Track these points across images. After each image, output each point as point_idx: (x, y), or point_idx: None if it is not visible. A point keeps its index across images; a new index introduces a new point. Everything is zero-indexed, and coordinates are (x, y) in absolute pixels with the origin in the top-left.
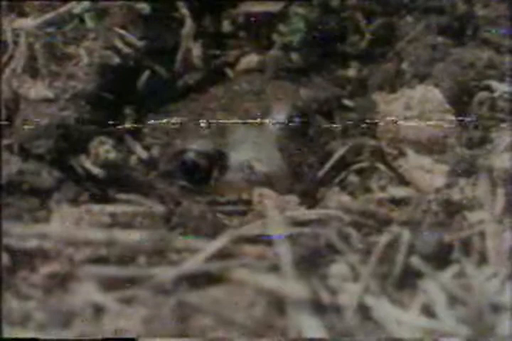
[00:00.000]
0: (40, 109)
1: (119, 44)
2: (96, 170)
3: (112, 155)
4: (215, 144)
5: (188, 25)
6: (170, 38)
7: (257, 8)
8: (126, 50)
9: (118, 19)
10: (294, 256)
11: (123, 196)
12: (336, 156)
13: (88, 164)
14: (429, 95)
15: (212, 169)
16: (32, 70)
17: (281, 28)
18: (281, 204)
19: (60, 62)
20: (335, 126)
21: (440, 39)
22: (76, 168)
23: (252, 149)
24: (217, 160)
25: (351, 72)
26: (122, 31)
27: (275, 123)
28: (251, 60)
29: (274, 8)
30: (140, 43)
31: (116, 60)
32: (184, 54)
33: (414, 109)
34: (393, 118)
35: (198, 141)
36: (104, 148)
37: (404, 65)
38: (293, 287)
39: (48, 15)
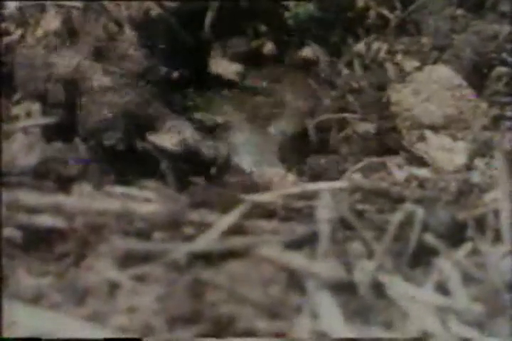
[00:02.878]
0: (100, 98)
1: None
2: (175, 149)
3: (197, 137)
4: (217, 148)
5: None
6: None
7: None
8: (158, 10)
9: None
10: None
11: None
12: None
13: (168, 143)
14: (435, 75)
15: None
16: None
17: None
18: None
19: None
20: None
21: (460, 11)
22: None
23: (255, 153)
24: (218, 160)
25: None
26: None
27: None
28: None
29: None
30: (172, 4)
31: (155, 11)
32: (212, 21)
33: (422, 92)
34: (405, 106)
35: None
36: (188, 131)
37: (424, 37)
38: (326, 267)
39: None
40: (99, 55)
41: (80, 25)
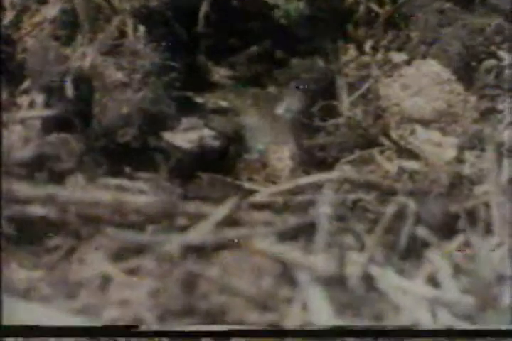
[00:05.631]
0: (115, 95)
1: None
2: (188, 146)
3: (215, 143)
4: (233, 125)
5: None
6: None
7: None
8: (155, 2)
9: None
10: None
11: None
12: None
13: (181, 142)
14: (424, 70)
15: (228, 149)
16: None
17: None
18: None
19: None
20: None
21: (448, 5)
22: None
23: (268, 133)
24: (235, 140)
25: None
26: None
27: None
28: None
29: None
30: None
31: (155, 2)
32: (204, 16)
33: (411, 87)
34: (394, 100)
35: (217, 120)
36: (207, 134)
37: (413, 31)
38: (320, 260)
39: None
40: (110, 49)
41: (82, 15)
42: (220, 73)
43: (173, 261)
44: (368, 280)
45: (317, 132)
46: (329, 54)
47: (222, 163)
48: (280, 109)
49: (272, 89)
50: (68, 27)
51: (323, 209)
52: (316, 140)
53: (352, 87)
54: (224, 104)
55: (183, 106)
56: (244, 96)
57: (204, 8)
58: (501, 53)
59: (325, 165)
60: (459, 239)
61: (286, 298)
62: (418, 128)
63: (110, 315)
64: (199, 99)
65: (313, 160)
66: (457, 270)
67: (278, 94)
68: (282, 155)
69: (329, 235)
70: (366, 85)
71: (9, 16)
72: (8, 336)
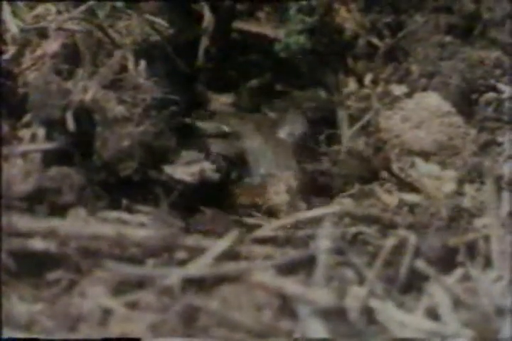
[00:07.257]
0: (116, 128)
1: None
2: (188, 179)
3: (216, 176)
4: (235, 149)
5: (208, 19)
6: (192, 31)
7: (252, 28)
8: (156, 37)
9: (148, 7)
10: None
11: (143, 208)
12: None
13: (182, 175)
14: (424, 102)
15: (230, 173)
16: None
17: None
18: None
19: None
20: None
21: (448, 38)
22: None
23: (271, 158)
24: (237, 165)
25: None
26: (153, 17)
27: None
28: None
29: (271, 32)
30: (169, 31)
31: (156, 37)
32: (205, 50)
33: (411, 119)
34: (395, 132)
35: (219, 145)
36: (208, 167)
37: (412, 64)
38: (320, 294)
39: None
40: (111, 83)
41: (83, 50)
42: (220, 101)
43: (173, 294)
44: (368, 313)
45: (320, 157)
46: (330, 87)
47: (223, 196)
48: (282, 133)
49: (272, 115)
50: (69, 61)
51: (323, 243)
52: (318, 165)
53: (353, 119)
54: (225, 128)
55: (183, 133)
56: (246, 121)
57: (204, 42)
58: (501, 86)
59: (325, 193)
60: (459, 272)
61: (286, 330)
62: (418, 161)
63: None
64: (200, 124)
65: (313, 190)
66: (457, 303)
67: (279, 118)
68: (280, 188)
69: (329, 268)
70: (366, 117)
71: (11, 50)
72: None
